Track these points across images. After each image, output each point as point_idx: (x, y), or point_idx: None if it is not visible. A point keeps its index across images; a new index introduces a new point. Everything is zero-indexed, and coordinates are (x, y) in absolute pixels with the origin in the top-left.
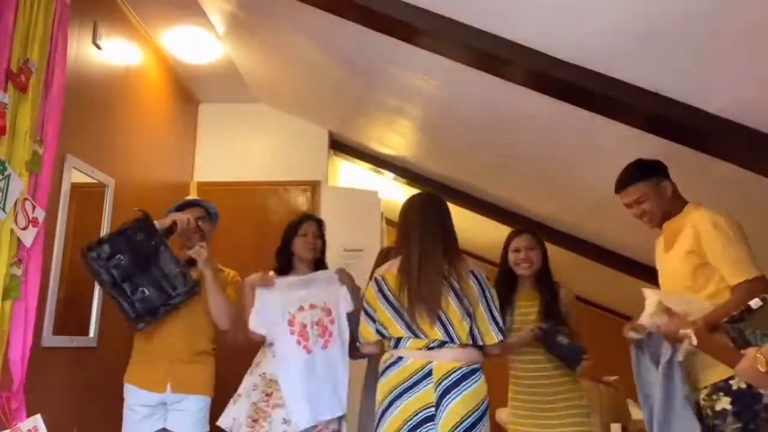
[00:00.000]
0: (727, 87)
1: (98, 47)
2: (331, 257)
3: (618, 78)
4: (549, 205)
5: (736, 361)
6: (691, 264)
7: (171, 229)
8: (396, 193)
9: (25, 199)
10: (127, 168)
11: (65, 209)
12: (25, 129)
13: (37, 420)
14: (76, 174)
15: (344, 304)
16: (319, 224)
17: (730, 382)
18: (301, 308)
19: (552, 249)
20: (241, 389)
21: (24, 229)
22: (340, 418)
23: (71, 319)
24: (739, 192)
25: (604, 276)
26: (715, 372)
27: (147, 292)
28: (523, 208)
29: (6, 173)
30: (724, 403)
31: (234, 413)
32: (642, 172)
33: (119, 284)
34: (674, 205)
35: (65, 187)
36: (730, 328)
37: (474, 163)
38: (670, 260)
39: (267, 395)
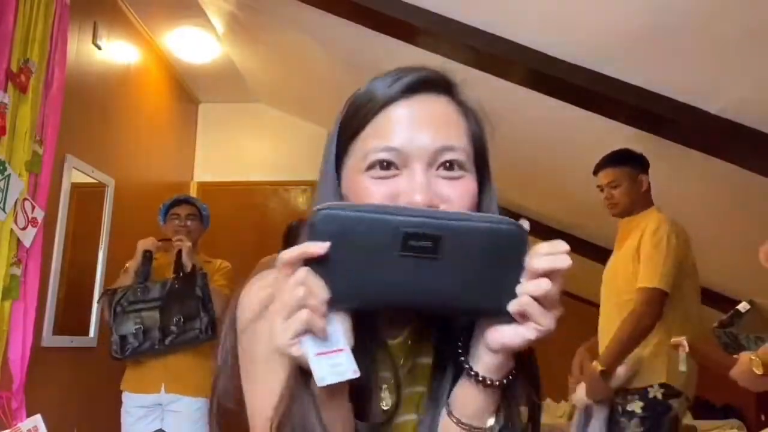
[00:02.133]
0: (727, 87)
1: (98, 47)
2: None
3: (618, 78)
4: (549, 204)
5: (729, 367)
6: (634, 264)
7: (149, 258)
8: None
9: (25, 199)
10: (127, 168)
11: (65, 209)
12: (25, 129)
13: (37, 420)
14: (76, 174)
15: None
16: None
17: (648, 389)
18: None
19: None
20: None
21: (24, 229)
22: None
23: (71, 319)
24: (739, 192)
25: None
26: (636, 380)
27: (188, 315)
28: (523, 208)
29: (6, 173)
30: (635, 406)
31: None
32: (624, 159)
33: (169, 332)
34: (642, 202)
35: (65, 187)
36: (722, 333)
37: None
38: (618, 258)
39: None
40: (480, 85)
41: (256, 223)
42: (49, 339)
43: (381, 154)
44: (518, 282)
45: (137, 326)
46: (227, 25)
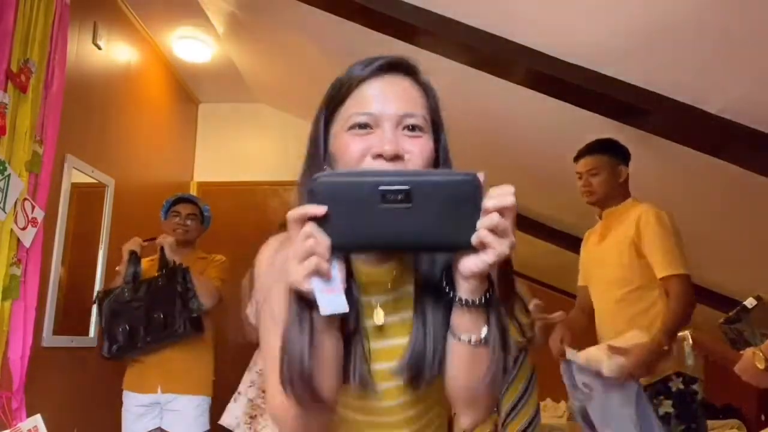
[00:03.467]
0: (727, 87)
1: (98, 47)
2: None
3: (618, 78)
4: (549, 204)
5: (734, 361)
6: (630, 255)
7: (136, 259)
8: None
9: (25, 199)
10: (127, 168)
11: (65, 209)
12: (25, 129)
13: (37, 420)
14: (76, 174)
15: None
16: None
17: (669, 384)
18: None
19: (552, 249)
20: (240, 387)
21: (23, 229)
22: None
23: (71, 319)
24: (740, 192)
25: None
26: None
27: (172, 312)
28: (523, 208)
29: (6, 173)
30: (666, 407)
31: (234, 411)
32: (605, 147)
33: (152, 331)
34: (619, 192)
35: (65, 187)
36: (728, 329)
37: (474, 162)
38: (607, 251)
39: (263, 391)
40: (480, 85)
41: (256, 223)
42: (49, 339)
43: (360, 117)
44: (477, 220)
45: (123, 326)
46: (227, 25)
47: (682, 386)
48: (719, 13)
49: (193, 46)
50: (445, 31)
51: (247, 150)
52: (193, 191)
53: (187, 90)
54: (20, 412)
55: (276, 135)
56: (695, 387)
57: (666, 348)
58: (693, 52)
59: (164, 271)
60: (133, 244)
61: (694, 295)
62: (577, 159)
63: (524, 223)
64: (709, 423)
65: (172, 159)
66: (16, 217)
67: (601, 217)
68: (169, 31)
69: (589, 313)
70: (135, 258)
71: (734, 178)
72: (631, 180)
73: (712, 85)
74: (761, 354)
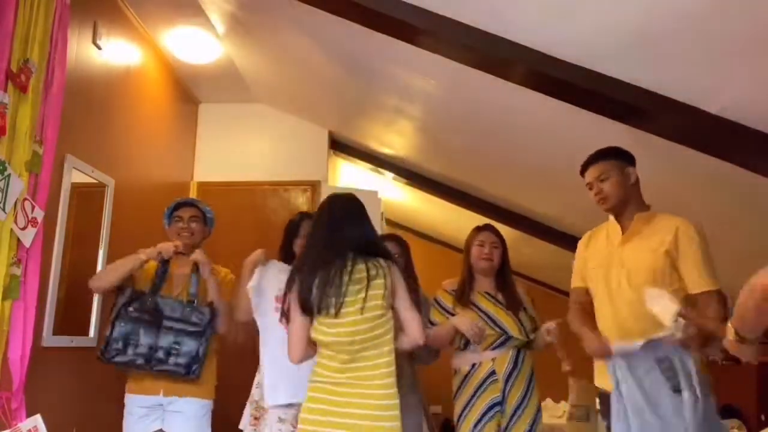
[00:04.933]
0: (727, 87)
1: (98, 47)
2: None
3: (618, 78)
4: (549, 204)
5: (723, 335)
6: (664, 263)
7: (165, 264)
8: (396, 193)
9: (25, 199)
10: (127, 168)
11: (65, 209)
12: (25, 129)
13: (37, 420)
14: (76, 174)
15: None
16: None
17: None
18: None
19: (552, 249)
20: (252, 389)
21: (23, 229)
22: None
23: (71, 319)
24: (740, 192)
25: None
26: None
27: (179, 348)
28: (523, 208)
29: (6, 173)
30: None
31: (247, 413)
32: (609, 153)
33: (153, 357)
34: (633, 196)
35: (65, 187)
36: None
37: (474, 162)
38: (635, 254)
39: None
40: (480, 85)
41: (256, 223)
42: (49, 339)
43: None
44: None
45: (130, 335)
46: (227, 25)
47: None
48: (720, 13)
49: (193, 46)
50: (445, 31)
51: (247, 150)
52: (193, 191)
53: (187, 90)
54: (20, 412)
55: (276, 135)
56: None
57: (719, 336)
58: (693, 52)
59: (195, 302)
60: (170, 249)
61: (726, 311)
62: (583, 171)
63: (524, 223)
64: None
65: (172, 159)
66: (16, 217)
67: (618, 220)
68: (169, 31)
69: (591, 312)
70: (166, 262)
71: (734, 178)
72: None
73: (712, 85)
74: (731, 327)
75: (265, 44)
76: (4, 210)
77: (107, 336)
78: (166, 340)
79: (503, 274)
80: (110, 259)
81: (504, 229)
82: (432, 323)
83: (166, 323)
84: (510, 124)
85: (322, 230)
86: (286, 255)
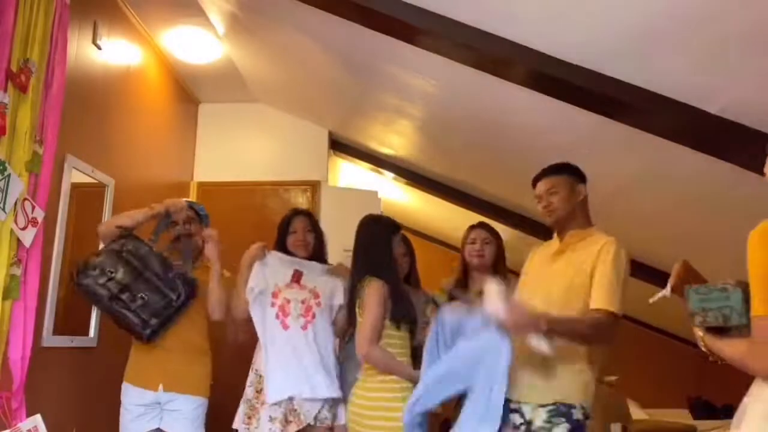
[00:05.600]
0: (727, 87)
1: (98, 47)
2: (332, 257)
3: (617, 78)
4: None
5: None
6: (581, 280)
7: (168, 217)
8: (396, 193)
9: (25, 199)
10: (127, 168)
11: (65, 209)
12: (25, 129)
13: (37, 420)
14: (76, 174)
15: (338, 296)
16: (309, 217)
17: (573, 411)
18: (290, 285)
19: None
20: (246, 387)
21: (23, 229)
22: (332, 405)
23: (71, 319)
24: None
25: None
26: (557, 390)
27: (146, 298)
28: (523, 208)
29: (6, 173)
30: (562, 429)
31: (241, 412)
32: (562, 168)
33: (117, 296)
34: (579, 213)
35: (65, 187)
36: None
37: (474, 162)
38: (560, 270)
39: (257, 392)
40: (480, 85)
41: (256, 223)
42: (49, 339)
43: None
44: None
45: (109, 267)
46: (227, 25)
47: (581, 417)
48: (719, 13)
49: (193, 46)
50: (445, 31)
51: (247, 150)
52: (193, 191)
53: (187, 90)
54: (20, 412)
55: (276, 135)
56: (587, 422)
57: (544, 329)
58: (693, 52)
59: (177, 273)
60: (181, 208)
61: (612, 338)
62: (535, 183)
63: (524, 223)
64: (709, 423)
65: (172, 159)
66: (16, 217)
67: (559, 236)
68: (169, 31)
69: None
70: (169, 220)
71: (734, 178)
72: (632, 181)
73: (712, 85)
74: (700, 337)
75: (265, 44)
76: (4, 210)
77: (92, 258)
78: (138, 288)
79: (498, 271)
80: None
81: (503, 229)
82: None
83: (146, 273)
84: (510, 124)
85: None
86: (280, 251)
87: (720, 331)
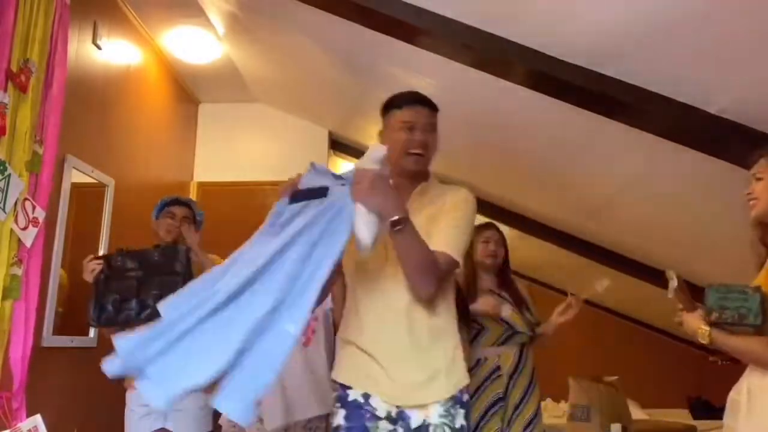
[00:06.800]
0: (727, 87)
1: (98, 47)
2: None
3: (618, 78)
4: (549, 205)
5: (688, 309)
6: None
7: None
8: None
9: (25, 199)
10: (127, 168)
11: (65, 209)
12: (25, 129)
13: (37, 420)
14: (76, 174)
15: (328, 301)
16: None
17: (463, 396)
18: None
19: (552, 249)
20: None
21: (24, 229)
22: (326, 417)
23: (71, 319)
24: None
25: (604, 276)
26: (451, 385)
27: (160, 291)
28: (524, 208)
29: (6, 173)
30: (461, 418)
31: None
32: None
33: (141, 311)
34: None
35: (65, 187)
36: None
37: (473, 162)
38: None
39: None
40: (480, 85)
41: (256, 223)
42: (49, 339)
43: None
44: None
45: (114, 296)
46: (227, 25)
47: (467, 396)
48: (720, 13)
49: (193, 46)
50: (445, 31)
51: (247, 150)
52: (193, 191)
53: (187, 90)
54: (20, 413)
55: (276, 135)
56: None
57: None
58: (693, 52)
59: (161, 248)
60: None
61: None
62: (413, 102)
63: (524, 223)
64: (709, 423)
65: (172, 159)
66: (16, 217)
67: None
68: (169, 31)
69: None
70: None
71: (734, 178)
72: (631, 180)
73: (712, 85)
74: (706, 331)
75: (264, 44)
76: (4, 210)
77: (93, 305)
78: (147, 289)
79: (505, 272)
80: None
81: (503, 228)
82: None
83: (139, 273)
84: (510, 123)
85: None
86: None
87: (722, 329)
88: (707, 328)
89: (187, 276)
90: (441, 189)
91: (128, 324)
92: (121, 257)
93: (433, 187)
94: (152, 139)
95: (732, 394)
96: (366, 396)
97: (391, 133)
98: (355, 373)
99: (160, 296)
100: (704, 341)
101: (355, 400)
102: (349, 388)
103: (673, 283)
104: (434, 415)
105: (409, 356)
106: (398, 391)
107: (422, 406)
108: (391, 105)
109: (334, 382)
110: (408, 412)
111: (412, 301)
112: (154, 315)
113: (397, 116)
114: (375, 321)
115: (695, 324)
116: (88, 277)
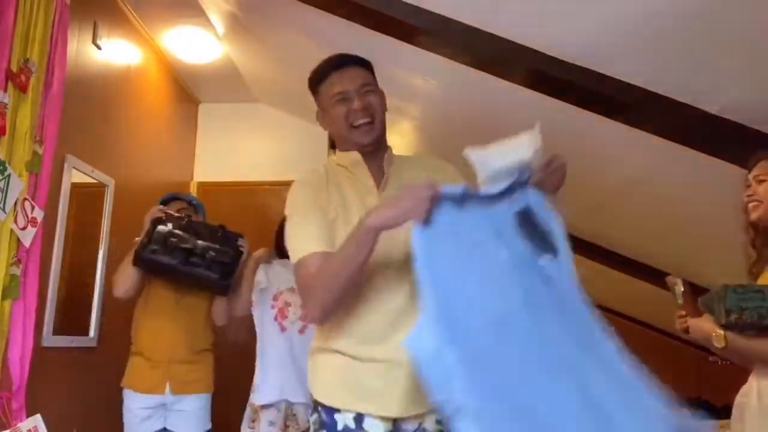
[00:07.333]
0: (727, 87)
1: (98, 47)
2: None
3: (618, 78)
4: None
5: (689, 313)
6: None
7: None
8: None
9: (25, 199)
10: (127, 168)
11: (65, 209)
12: (25, 129)
13: (37, 420)
14: (76, 174)
15: None
16: None
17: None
18: (292, 289)
19: None
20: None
21: (23, 229)
22: None
23: (71, 319)
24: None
25: (605, 277)
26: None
27: (214, 254)
28: None
29: (6, 173)
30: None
31: (247, 416)
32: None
33: (188, 260)
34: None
35: (65, 187)
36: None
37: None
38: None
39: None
40: (480, 85)
41: (256, 223)
42: (49, 339)
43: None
44: None
45: (172, 240)
46: (227, 25)
47: None
48: (720, 13)
49: (193, 46)
50: (445, 31)
51: (247, 150)
52: (193, 191)
53: (187, 90)
54: (20, 413)
55: (276, 135)
56: None
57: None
58: (693, 52)
59: (219, 231)
60: (154, 212)
61: None
62: (347, 64)
63: None
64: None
65: (172, 159)
66: (16, 217)
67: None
68: (169, 31)
69: None
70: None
71: (734, 178)
72: (631, 180)
73: (712, 85)
74: (721, 335)
75: (265, 44)
76: (4, 210)
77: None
78: (200, 246)
79: None
80: (110, 258)
81: None
82: None
83: (199, 235)
84: (509, 123)
85: None
86: (280, 252)
87: (740, 330)
88: (722, 331)
89: (236, 261)
90: (412, 160)
91: (167, 269)
92: (187, 221)
93: (401, 159)
94: (152, 139)
95: (739, 398)
96: (359, 419)
97: (328, 111)
98: (346, 390)
99: (211, 254)
100: (719, 345)
101: (345, 428)
102: (337, 411)
103: (679, 288)
104: (430, 422)
105: (409, 360)
106: (395, 402)
107: (419, 415)
108: (315, 81)
109: (316, 402)
110: (404, 425)
111: (412, 302)
112: (195, 270)
113: (327, 90)
114: (376, 324)
115: (708, 328)
116: (149, 217)
